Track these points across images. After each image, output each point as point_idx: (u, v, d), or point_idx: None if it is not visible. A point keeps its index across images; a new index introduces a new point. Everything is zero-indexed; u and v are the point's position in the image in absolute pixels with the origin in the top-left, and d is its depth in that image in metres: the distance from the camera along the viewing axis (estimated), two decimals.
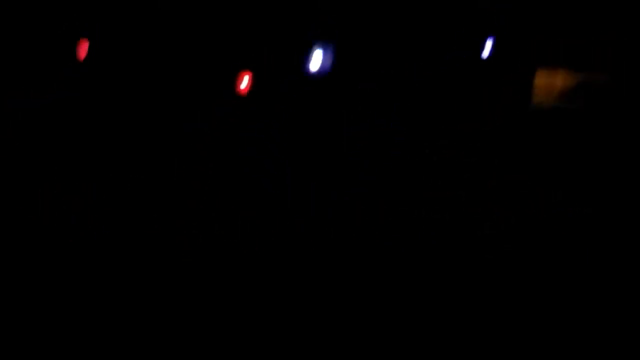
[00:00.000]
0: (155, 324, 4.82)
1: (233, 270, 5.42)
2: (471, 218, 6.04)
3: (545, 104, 6.64)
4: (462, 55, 6.61)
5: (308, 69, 6.03)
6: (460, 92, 6.63)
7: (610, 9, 6.63)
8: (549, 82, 6.67)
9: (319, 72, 6.05)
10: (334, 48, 6.10)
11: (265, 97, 6.04)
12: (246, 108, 6.06)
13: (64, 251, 5.53)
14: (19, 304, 4.91)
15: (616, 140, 6.34)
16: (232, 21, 6.11)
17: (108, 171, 6.29)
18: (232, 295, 5.15)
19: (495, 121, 6.55)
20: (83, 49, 6.12)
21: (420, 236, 5.82)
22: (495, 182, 6.22)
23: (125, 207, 6.03)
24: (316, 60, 6.01)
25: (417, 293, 5.25)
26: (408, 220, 5.93)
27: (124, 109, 6.35)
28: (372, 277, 5.41)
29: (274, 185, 6.16)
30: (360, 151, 6.36)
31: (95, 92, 6.31)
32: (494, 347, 4.74)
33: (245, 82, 5.96)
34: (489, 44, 6.62)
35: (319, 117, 6.25)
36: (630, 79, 6.57)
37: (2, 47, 6.36)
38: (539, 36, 6.67)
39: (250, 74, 5.94)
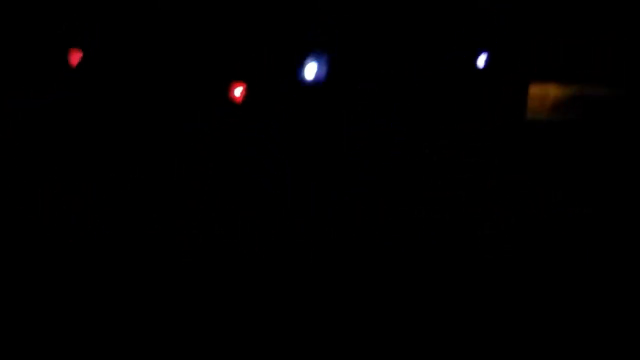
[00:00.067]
0: (156, 324, 4.82)
1: (233, 270, 5.42)
2: (471, 218, 6.05)
3: (539, 116, 6.67)
4: (458, 62, 6.63)
5: (307, 74, 6.04)
6: (456, 100, 6.65)
7: (603, 22, 6.66)
8: (542, 95, 6.70)
9: (320, 75, 6.06)
10: (336, 50, 6.11)
11: (262, 102, 6.04)
12: (243, 113, 6.06)
13: (64, 251, 5.53)
14: (19, 303, 4.91)
15: (611, 151, 6.37)
16: (227, 29, 6.11)
17: (108, 171, 6.29)
18: (232, 295, 5.15)
19: (490, 133, 6.57)
20: (76, 56, 6.13)
21: (420, 236, 5.82)
22: (494, 182, 6.23)
23: (125, 207, 6.04)
24: (316, 64, 6.02)
25: (417, 293, 5.25)
26: (408, 220, 5.93)
27: (123, 111, 6.35)
28: (372, 277, 5.41)
29: (274, 185, 6.16)
30: (361, 151, 6.36)
31: (94, 94, 6.31)
32: (494, 347, 4.74)
33: (240, 90, 5.97)
34: (484, 55, 6.64)
35: (319, 118, 6.25)
36: (626, 91, 6.60)
37: (2, 47, 6.37)
38: (533, 49, 6.71)
39: (245, 83, 5.95)
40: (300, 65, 6.02)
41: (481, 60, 6.60)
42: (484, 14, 6.61)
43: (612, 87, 6.66)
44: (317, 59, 6.02)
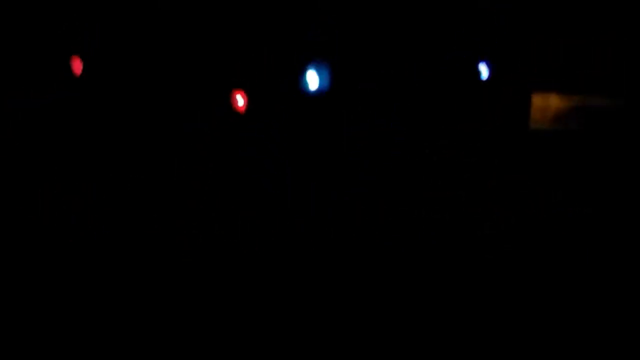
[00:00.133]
0: (155, 324, 4.82)
1: (233, 270, 5.42)
2: (471, 218, 6.04)
3: (542, 126, 6.68)
4: (460, 67, 6.64)
5: (306, 83, 6.05)
6: (458, 107, 6.66)
7: (604, 31, 6.69)
8: (544, 105, 6.72)
9: (322, 81, 6.06)
10: (336, 54, 6.11)
11: (262, 112, 6.05)
12: (244, 122, 6.06)
13: (63, 251, 5.52)
14: (19, 303, 4.90)
15: (612, 158, 6.38)
16: (227, 38, 6.12)
17: (108, 171, 6.29)
18: (232, 295, 5.15)
19: (492, 141, 6.58)
20: (78, 65, 6.13)
21: (420, 236, 5.82)
22: (495, 183, 6.23)
23: (125, 207, 6.03)
24: (317, 70, 6.03)
25: (417, 293, 5.25)
26: (408, 220, 5.92)
27: (123, 112, 6.34)
28: (372, 277, 5.41)
29: (274, 185, 6.16)
30: (360, 151, 6.36)
31: (94, 98, 6.32)
32: (494, 347, 4.74)
33: (242, 99, 5.98)
34: (485, 63, 6.66)
35: (320, 119, 6.25)
36: (627, 102, 6.63)
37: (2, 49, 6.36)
38: (534, 58, 6.73)
39: (245, 92, 5.96)
40: (301, 71, 6.02)
41: (484, 69, 6.62)
42: (485, 20, 6.63)
43: (613, 98, 6.69)
44: (318, 65, 6.02)
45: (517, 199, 6.14)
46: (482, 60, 6.59)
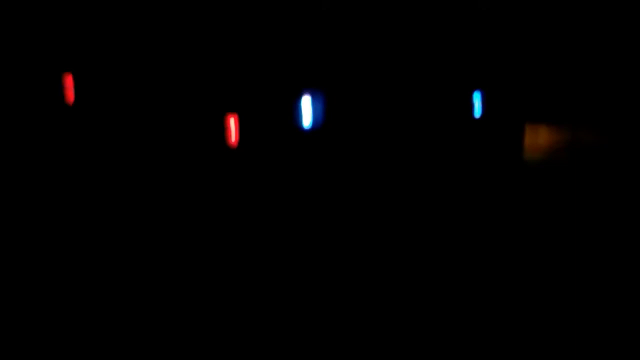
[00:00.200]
0: (155, 324, 4.81)
1: (233, 270, 5.42)
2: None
3: (534, 159, 6.74)
4: (454, 102, 6.69)
5: (301, 121, 6.08)
6: (452, 140, 6.70)
7: (594, 68, 6.77)
8: (537, 138, 6.78)
9: (316, 119, 6.09)
10: (329, 98, 6.14)
11: (255, 147, 6.04)
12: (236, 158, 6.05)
13: (64, 251, 5.52)
14: (19, 304, 4.89)
15: (605, 193, 6.44)
16: (221, 70, 6.12)
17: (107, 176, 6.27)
18: (232, 296, 5.14)
19: (487, 175, 6.62)
20: (70, 92, 6.11)
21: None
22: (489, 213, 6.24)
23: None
24: (309, 112, 6.06)
25: (418, 293, 5.25)
26: (403, 250, 5.92)
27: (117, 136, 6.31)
28: (373, 277, 5.41)
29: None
30: (355, 184, 6.35)
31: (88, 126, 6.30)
32: (494, 347, 4.74)
33: (234, 135, 5.98)
34: (479, 103, 6.72)
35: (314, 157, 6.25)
36: (618, 134, 6.70)
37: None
38: (528, 93, 6.82)
39: (237, 119, 5.96)
40: (297, 110, 6.05)
41: (477, 105, 6.69)
42: (479, 55, 6.69)
43: (603, 131, 6.76)
44: (313, 104, 6.06)
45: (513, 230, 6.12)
46: (475, 93, 6.65)
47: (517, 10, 6.67)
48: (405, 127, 6.51)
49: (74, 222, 5.89)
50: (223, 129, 6.05)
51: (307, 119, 6.08)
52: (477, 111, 6.68)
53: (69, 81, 6.12)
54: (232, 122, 5.93)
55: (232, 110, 5.97)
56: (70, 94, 6.16)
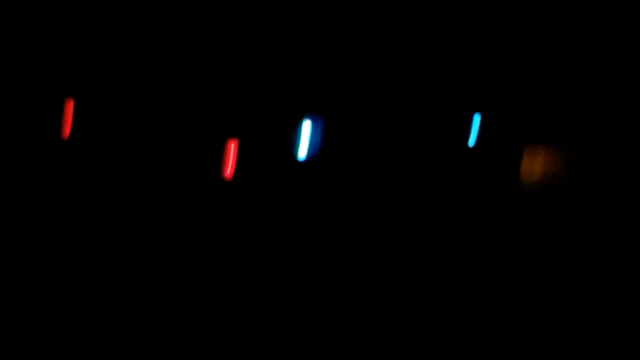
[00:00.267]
0: (155, 324, 4.83)
1: (233, 270, 5.42)
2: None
3: (530, 182, 6.70)
4: (453, 126, 6.66)
5: (297, 153, 6.03)
6: (450, 166, 6.67)
7: (589, 92, 6.74)
8: (533, 162, 6.74)
9: (312, 150, 6.04)
10: (327, 126, 6.09)
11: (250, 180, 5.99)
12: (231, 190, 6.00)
13: (63, 251, 5.54)
14: (19, 304, 4.93)
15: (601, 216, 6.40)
16: (218, 100, 6.06)
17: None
18: (232, 296, 5.15)
19: (483, 200, 6.58)
20: (67, 128, 6.06)
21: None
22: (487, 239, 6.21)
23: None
24: (307, 141, 6.00)
25: (417, 293, 5.25)
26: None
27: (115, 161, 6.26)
28: (372, 277, 5.40)
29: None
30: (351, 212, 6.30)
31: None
32: (493, 348, 4.73)
33: (230, 168, 5.93)
34: (474, 132, 6.70)
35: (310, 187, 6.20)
36: (610, 157, 6.66)
37: None
38: (524, 119, 6.79)
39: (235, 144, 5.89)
40: (295, 142, 6.00)
41: (474, 130, 6.66)
42: (478, 80, 6.67)
43: (599, 150, 6.73)
44: (311, 133, 6.01)
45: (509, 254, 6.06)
46: (474, 118, 6.63)
47: (515, 34, 6.67)
48: (403, 156, 6.49)
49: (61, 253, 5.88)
50: (219, 159, 6.01)
51: (304, 148, 6.05)
52: (473, 138, 6.69)
53: (68, 113, 6.08)
54: (232, 151, 5.88)
55: (232, 137, 5.93)
56: (67, 127, 6.11)
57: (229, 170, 5.88)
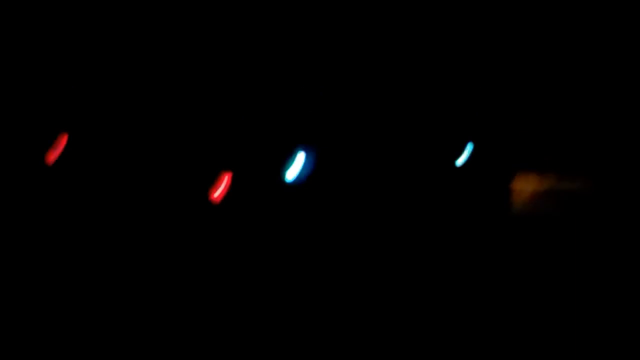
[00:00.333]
0: (155, 324, 4.82)
1: (233, 271, 5.42)
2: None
3: (521, 210, 6.73)
4: (442, 153, 6.68)
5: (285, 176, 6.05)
6: (438, 190, 6.68)
7: (583, 113, 6.81)
8: (524, 188, 6.79)
9: (303, 173, 6.07)
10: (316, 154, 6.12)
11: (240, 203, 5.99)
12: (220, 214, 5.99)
13: (63, 251, 5.52)
14: (19, 304, 4.91)
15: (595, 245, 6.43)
16: (209, 125, 6.07)
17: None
18: (232, 296, 5.15)
19: (473, 228, 6.60)
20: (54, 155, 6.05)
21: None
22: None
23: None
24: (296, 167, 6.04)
25: (417, 293, 5.26)
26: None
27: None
28: (372, 277, 5.42)
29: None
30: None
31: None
32: (494, 348, 4.75)
33: (219, 190, 5.94)
34: (465, 153, 6.72)
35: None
36: (608, 184, 6.72)
37: None
38: (516, 143, 6.83)
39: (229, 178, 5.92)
40: (284, 164, 6.02)
41: (462, 157, 6.68)
42: (468, 106, 6.70)
43: (589, 181, 6.77)
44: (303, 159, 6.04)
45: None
46: (465, 141, 6.65)
47: (506, 57, 6.71)
48: (393, 182, 6.50)
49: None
50: (209, 184, 6.00)
51: (293, 173, 6.06)
52: (463, 160, 6.69)
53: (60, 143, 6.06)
54: (224, 181, 5.89)
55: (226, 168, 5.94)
56: (54, 154, 6.09)
57: (218, 193, 5.87)
